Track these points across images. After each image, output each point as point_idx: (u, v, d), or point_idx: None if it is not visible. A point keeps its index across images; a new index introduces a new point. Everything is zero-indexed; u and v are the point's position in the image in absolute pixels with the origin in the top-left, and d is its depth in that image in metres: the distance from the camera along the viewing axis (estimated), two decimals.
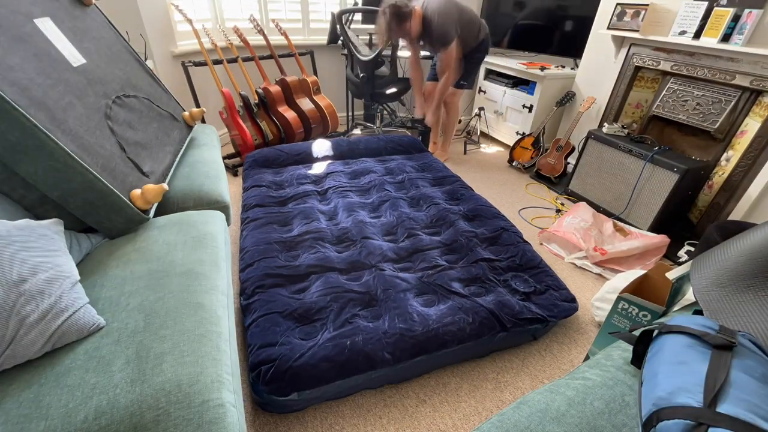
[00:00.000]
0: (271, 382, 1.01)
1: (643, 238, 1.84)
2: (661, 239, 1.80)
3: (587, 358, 1.34)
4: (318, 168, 2.14)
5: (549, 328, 1.41)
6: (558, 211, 2.32)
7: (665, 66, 2.09)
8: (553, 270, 1.49)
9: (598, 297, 1.51)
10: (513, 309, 1.27)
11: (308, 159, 2.24)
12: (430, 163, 2.27)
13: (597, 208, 2.29)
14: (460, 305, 1.25)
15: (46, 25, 1.18)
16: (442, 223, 1.70)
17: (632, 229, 1.97)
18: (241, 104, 2.53)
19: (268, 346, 1.07)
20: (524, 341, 1.38)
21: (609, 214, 2.20)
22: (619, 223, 2.02)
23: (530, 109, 2.90)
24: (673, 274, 1.05)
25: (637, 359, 0.81)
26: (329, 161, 2.24)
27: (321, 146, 2.31)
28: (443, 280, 1.36)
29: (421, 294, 1.32)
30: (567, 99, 2.70)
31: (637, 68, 2.26)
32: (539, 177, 2.73)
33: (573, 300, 1.39)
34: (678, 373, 0.63)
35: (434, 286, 1.34)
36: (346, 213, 1.73)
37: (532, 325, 1.28)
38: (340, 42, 3.01)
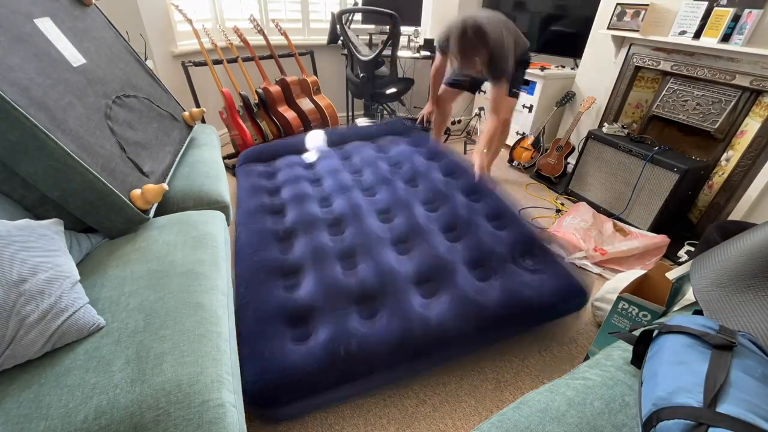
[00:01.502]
0: (258, 397, 0.96)
1: (643, 238, 1.84)
2: (661, 239, 1.80)
3: (587, 358, 1.34)
4: (310, 155, 2.13)
5: (556, 319, 1.34)
6: (558, 211, 2.32)
7: (665, 66, 2.09)
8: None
9: (598, 297, 1.51)
10: (521, 295, 1.20)
11: (300, 150, 2.23)
12: (422, 138, 2.22)
13: (597, 208, 2.29)
14: (464, 298, 1.17)
15: (46, 25, 1.18)
16: (440, 197, 1.64)
17: (632, 229, 1.97)
18: (241, 104, 2.53)
19: (257, 355, 1.02)
20: (532, 327, 1.33)
21: (609, 214, 2.20)
22: (619, 223, 2.02)
23: (530, 109, 2.90)
24: (673, 274, 1.05)
25: (637, 359, 0.81)
26: (322, 149, 2.22)
27: (313, 136, 2.30)
28: (445, 265, 1.27)
29: (421, 284, 1.25)
30: (567, 99, 2.70)
31: (637, 68, 2.26)
32: (539, 177, 2.72)
33: (582, 291, 1.29)
34: (678, 373, 0.63)
35: (435, 273, 1.26)
36: (340, 193, 1.69)
37: (541, 313, 1.22)
38: (340, 42, 3.01)
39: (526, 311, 1.20)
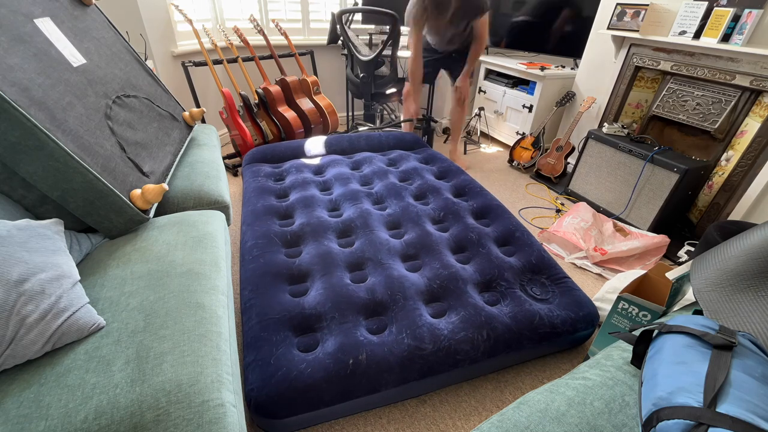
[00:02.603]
0: (262, 406, 0.94)
1: (643, 238, 1.84)
2: (661, 239, 1.80)
3: (587, 358, 1.34)
4: (318, 159, 2.11)
5: (569, 346, 1.32)
6: (558, 211, 2.32)
7: (665, 66, 2.09)
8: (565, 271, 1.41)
9: (598, 297, 1.51)
10: (532, 322, 1.18)
11: (307, 154, 2.21)
12: (434, 155, 2.22)
13: (597, 208, 2.29)
14: (475, 317, 1.15)
15: (47, 25, 1.18)
16: (450, 217, 1.62)
17: (632, 229, 1.97)
18: (241, 104, 2.53)
19: (263, 362, 1.00)
20: (541, 354, 1.31)
21: (609, 214, 2.20)
22: (619, 223, 2.02)
23: (530, 109, 2.90)
24: (673, 274, 1.06)
25: (637, 359, 0.81)
26: (330, 155, 2.21)
27: (321, 142, 2.29)
28: (455, 284, 1.26)
29: (432, 301, 1.24)
30: (567, 99, 2.70)
31: (637, 68, 2.26)
32: (539, 177, 2.73)
33: (593, 310, 1.28)
34: (678, 373, 0.63)
35: (446, 292, 1.25)
36: (349, 202, 1.67)
37: (550, 340, 1.20)
38: (340, 42, 3.01)
39: (537, 339, 1.19)
